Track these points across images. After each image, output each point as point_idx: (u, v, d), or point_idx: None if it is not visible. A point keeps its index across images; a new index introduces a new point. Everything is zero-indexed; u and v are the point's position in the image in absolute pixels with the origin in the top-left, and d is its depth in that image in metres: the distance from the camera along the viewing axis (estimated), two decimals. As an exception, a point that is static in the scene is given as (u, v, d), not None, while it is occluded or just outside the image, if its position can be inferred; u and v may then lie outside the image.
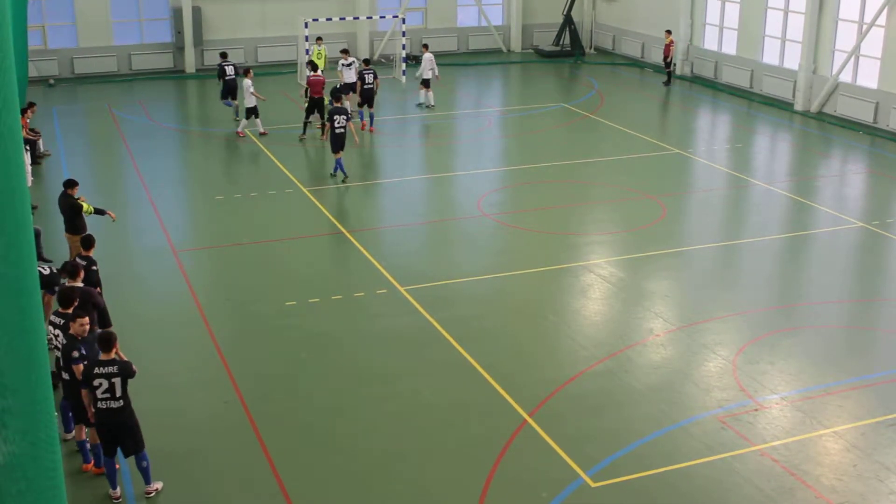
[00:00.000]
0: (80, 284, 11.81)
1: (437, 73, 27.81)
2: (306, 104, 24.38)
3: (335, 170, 21.18)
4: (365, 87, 25.13)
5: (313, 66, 24.84)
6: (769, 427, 11.57)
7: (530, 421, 11.64)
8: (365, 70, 25.29)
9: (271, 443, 11.23)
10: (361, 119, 25.41)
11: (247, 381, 12.63)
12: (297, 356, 13.40)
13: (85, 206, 15.29)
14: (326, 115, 21.47)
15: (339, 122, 20.79)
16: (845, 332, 14.52)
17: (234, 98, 26.05)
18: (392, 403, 12.16)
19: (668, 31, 31.55)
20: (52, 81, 30.96)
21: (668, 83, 31.39)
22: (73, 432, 11.21)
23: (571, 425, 11.65)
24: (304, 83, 24.18)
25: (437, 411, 12.02)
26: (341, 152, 20.93)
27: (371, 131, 25.30)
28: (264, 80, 31.81)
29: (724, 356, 13.30)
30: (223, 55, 27.16)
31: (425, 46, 28.09)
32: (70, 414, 11.12)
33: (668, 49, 31.41)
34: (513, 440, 11.27)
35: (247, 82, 24.15)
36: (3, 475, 4.43)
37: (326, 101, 23.31)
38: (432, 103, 27.77)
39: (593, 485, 10.45)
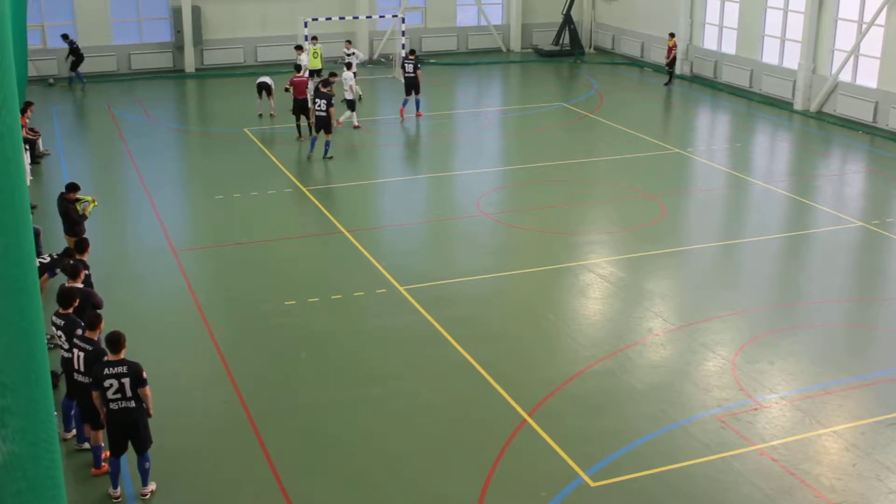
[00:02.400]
0: (80, 285, 11.82)
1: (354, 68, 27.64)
2: (291, 107, 24.50)
3: (325, 152, 22.70)
4: (406, 76, 26.43)
5: (297, 67, 25.21)
6: (769, 426, 11.58)
7: (530, 421, 11.65)
8: (406, 60, 26.54)
9: (271, 443, 11.23)
10: (411, 108, 26.72)
11: (247, 381, 12.63)
12: (297, 356, 13.40)
13: (80, 207, 15.23)
14: (311, 98, 23.22)
15: (319, 106, 22.31)
16: (845, 332, 14.52)
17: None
18: (392, 403, 12.16)
19: (672, 35, 31.40)
20: (51, 80, 30.97)
21: (668, 83, 31.33)
22: (72, 432, 11.21)
23: (571, 425, 11.66)
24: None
25: (437, 411, 12.02)
26: (322, 133, 22.50)
27: (419, 115, 26.76)
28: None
29: (723, 356, 13.30)
30: (65, 36, 30.60)
31: (349, 42, 28.33)
32: (72, 413, 11.14)
33: (670, 51, 31.27)
34: (512, 440, 11.27)
35: (348, 75, 24.93)
36: (3, 475, 4.44)
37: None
38: (360, 94, 27.85)
39: (593, 484, 10.46)
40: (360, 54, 28.55)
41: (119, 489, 10.29)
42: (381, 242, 17.81)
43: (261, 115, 26.49)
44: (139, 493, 10.35)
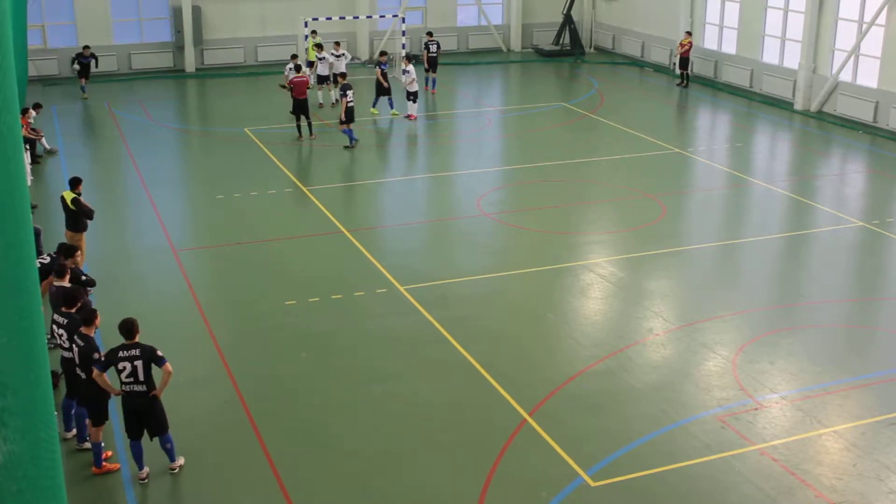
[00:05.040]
0: (67, 284, 11.87)
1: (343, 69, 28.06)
2: (291, 106, 24.45)
3: (351, 140, 23.59)
4: (430, 55, 29.68)
5: (297, 67, 25.21)
6: (769, 426, 11.58)
7: (530, 420, 11.65)
8: (429, 41, 29.79)
9: (271, 442, 11.23)
10: (427, 85, 29.73)
11: (247, 381, 12.64)
12: (297, 356, 13.40)
13: (66, 196, 15.26)
14: (339, 90, 24.10)
15: (350, 97, 23.25)
16: (845, 332, 14.52)
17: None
18: (392, 403, 12.16)
19: (689, 33, 31.20)
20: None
21: (684, 85, 31.05)
22: (72, 432, 11.23)
23: (571, 425, 11.66)
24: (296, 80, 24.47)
25: (436, 411, 12.02)
26: (352, 123, 23.49)
27: (433, 93, 29.62)
28: (263, 79, 31.86)
29: (723, 355, 13.30)
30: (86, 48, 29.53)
31: (337, 44, 28.40)
32: (73, 412, 11.14)
33: (686, 51, 30.92)
34: (513, 440, 11.27)
35: (410, 68, 26.28)
36: (3, 474, 4.43)
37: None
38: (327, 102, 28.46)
39: (593, 484, 10.46)
40: (349, 55, 28.63)
41: (146, 469, 10.51)
42: (381, 242, 17.81)
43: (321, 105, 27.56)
44: (167, 468, 10.60)
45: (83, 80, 29.13)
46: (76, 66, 29.17)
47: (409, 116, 26.53)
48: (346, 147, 23.54)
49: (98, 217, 15.98)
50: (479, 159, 23.55)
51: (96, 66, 29.83)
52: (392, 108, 27.03)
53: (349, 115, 23.26)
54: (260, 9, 33.91)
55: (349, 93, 23.24)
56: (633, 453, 11.02)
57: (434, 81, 29.89)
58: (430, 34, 30.52)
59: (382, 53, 27.24)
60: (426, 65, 29.85)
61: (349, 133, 23.50)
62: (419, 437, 11.45)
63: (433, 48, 29.69)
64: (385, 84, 26.65)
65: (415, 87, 26.45)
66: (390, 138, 25.40)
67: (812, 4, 27.03)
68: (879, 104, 25.43)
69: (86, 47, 29.50)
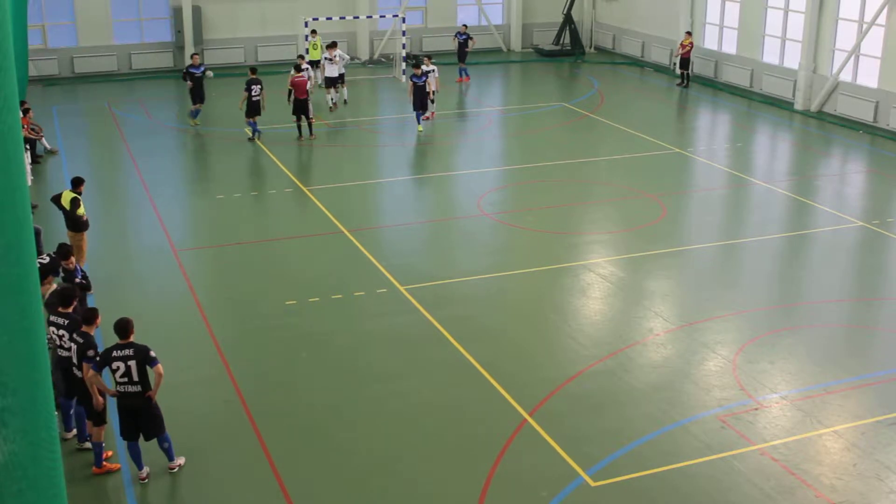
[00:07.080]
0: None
1: (342, 70, 27.42)
2: (291, 106, 24.39)
3: (253, 132, 24.13)
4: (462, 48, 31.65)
5: (297, 68, 25.04)
6: (769, 426, 11.58)
7: (530, 420, 11.65)
8: (460, 33, 31.74)
9: (271, 442, 11.24)
10: (461, 75, 31.46)
11: (247, 381, 12.64)
12: (297, 356, 13.40)
13: (65, 196, 15.26)
14: (245, 85, 24.11)
15: (255, 91, 23.77)
16: (845, 332, 14.52)
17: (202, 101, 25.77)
18: (392, 403, 12.16)
19: (689, 33, 31.21)
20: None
21: (685, 85, 31.03)
22: (72, 432, 11.23)
23: (571, 425, 11.66)
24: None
25: (437, 411, 12.02)
26: (257, 116, 23.97)
27: (464, 80, 31.26)
28: (263, 79, 31.80)
29: (724, 355, 13.30)
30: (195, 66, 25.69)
31: (335, 44, 27.48)
32: (72, 412, 11.13)
33: (687, 52, 30.90)
34: (513, 440, 11.27)
35: (433, 66, 26.27)
36: (3, 474, 4.44)
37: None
38: (345, 98, 28.00)
39: (593, 484, 10.46)
40: (346, 56, 28.23)
41: (146, 469, 10.51)
42: (381, 242, 17.81)
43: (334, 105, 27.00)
44: (167, 468, 10.60)
45: (198, 104, 25.52)
46: (189, 83, 25.31)
47: (430, 115, 26.29)
48: (248, 139, 24.10)
49: (98, 217, 16.01)
50: (479, 159, 23.55)
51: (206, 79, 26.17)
52: (419, 123, 25.32)
53: (253, 108, 23.75)
54: (260, 9, 33.91)
55: (254, 88, 23.63)
56: (633, 453, 11.02)
57: (464, 71, 31.77)
58: (464, 26, 32.62)
59: (416, 66, 25.16)
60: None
61: (253, 125, 24.02)
62: (419, 437, 11.45)
63: (461, 39, 31.83)
64: (419, 93, 24.86)
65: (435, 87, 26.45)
66: (390, 138, 25.38)
67: (812, 4, 27.03)
68: (879, 104, 25.43)
69: (194, 55, 26.06)
